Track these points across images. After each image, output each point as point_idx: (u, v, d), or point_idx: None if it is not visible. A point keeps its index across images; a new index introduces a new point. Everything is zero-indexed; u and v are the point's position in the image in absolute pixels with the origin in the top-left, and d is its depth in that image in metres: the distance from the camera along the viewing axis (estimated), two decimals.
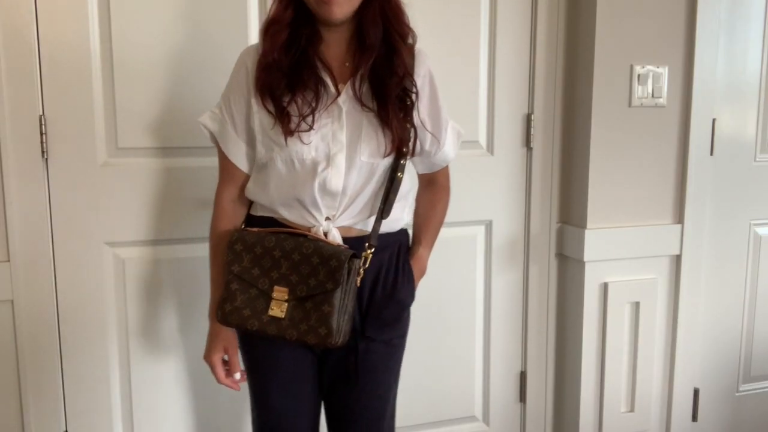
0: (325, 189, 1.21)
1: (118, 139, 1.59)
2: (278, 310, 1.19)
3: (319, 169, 1.20)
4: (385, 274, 1.29)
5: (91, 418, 1.65)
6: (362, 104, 1.22)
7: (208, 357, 1.32)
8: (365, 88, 1.22)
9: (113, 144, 1.59)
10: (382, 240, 1.27)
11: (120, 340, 1.65)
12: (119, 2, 1.54)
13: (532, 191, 1.96)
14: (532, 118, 1.93)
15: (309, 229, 1.23)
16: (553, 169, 1.97)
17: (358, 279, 1.20)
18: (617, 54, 1.86)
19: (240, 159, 1.28)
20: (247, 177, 1.30)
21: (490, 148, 1.92)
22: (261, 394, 1.32)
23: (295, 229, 1.23)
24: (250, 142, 1.26)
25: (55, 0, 1.50)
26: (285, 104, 1.18)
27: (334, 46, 1.23)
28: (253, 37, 1.65)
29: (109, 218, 1.60)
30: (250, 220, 1.31)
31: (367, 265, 1.22)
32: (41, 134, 1.51)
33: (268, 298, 1.19)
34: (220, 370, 1.31)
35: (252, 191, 1.28)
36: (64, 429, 1.63)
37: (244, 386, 1.36)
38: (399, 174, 1.25)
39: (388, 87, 1.22)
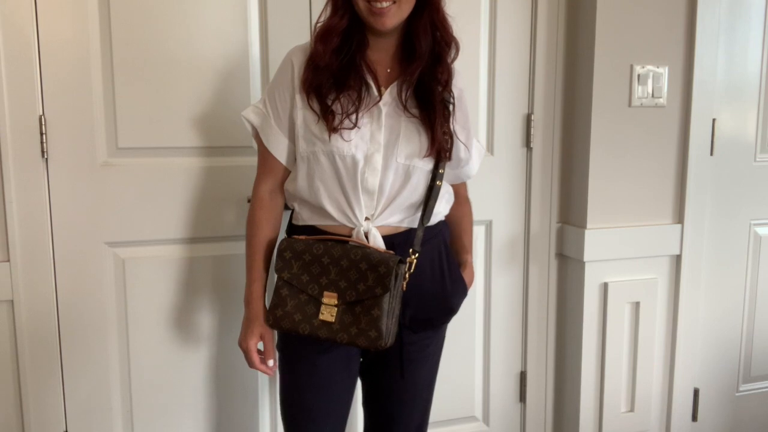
0: (363, 187, 1.27)
1: (118, 139, 1.59)
2: (328, 314, 1.24)
3: (359, 167, 1.25)
4: (431, 275, 1.35)
5: (91, 418, 1.65)
6: (405, 109, 1.28)
7: (243, 342, 1.34)
8: (409, 93, 1.28)
9: (113, 144, 1.59)
10: (424, 233, 1.32)
11: (120, 340, 1.65)
12: (119, 2, 1.54)
13: (532, 191, 1.96)
14: (532, 118, 1.93)
15: (351, 232, 1.28)
16: (553, 169, 1.97)
17: (404, 283, 1.24)
18: (617, 54, 1.86)
19: (280, 152, 1.33)
20: (286, 170, 1.35)
21: (490, 148, 1.92)
22: (295, 394, 1.35)
23: (339, 235, 1.28)
24: (291, 137, 1.32)
25: (55, 0, 1.50)
26: (330, 103, 1.25)
27: (380, 52, 1.30)
28: (254, 36, 1.66)
29: (109, 218, 1.60)
30: (294, 230, 1.37)
31: (412, 270, 1.27)
32: (41, 134, 1.51)
33: (318, 303, 1.24)
34: (255, 356, 1.33)
35: (299, 186, 1.31)
36: (64, 429, 1.63)
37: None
38: (438, 182, 1.32)
39: (434, 93, 1.29)
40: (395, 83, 1.29)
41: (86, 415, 1.64)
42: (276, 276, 1.29)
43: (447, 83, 1.31)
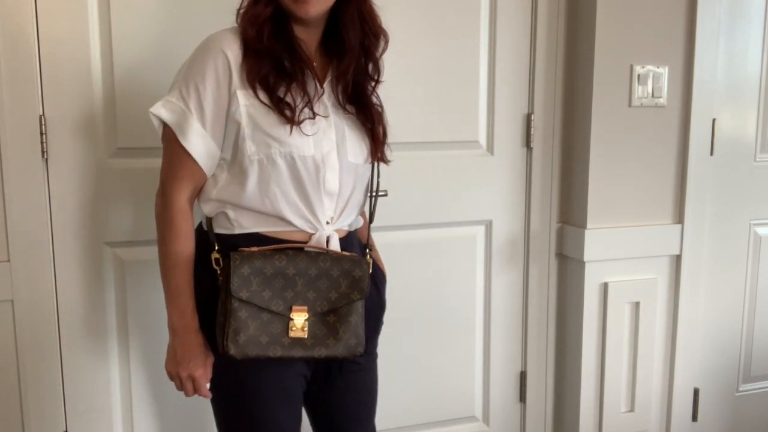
0: (325, 189, 1.20)
1: (118, 139, 1.59)
2: (299, 330, 1.14)
3: (320, 168, 1.18)
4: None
5: (91, 418, 1.65)
6: (342, 107, 1.23)
7: (193, 370, 1.18)
8: (347, 90, 1.23)
9: (113, 144, 1.59)
10: (354, 238, 1.30)
11: (120, 340, 1.65)
12: (119, 2, 1.54)
13: (532, 191, 1.96)
14: (532, 118, 1.93)
15: (309, 237, 1.20)
16: (553, 169, 1.97)
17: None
18: (617, 54, 1.86)
19: (203, 156, 1.16)
20: (205, 179, 1.19)
21: (490, 148, 1.92)
22: (268, 420, 1.22)
23: (294, 242, 1.18)
24: (219, 140, 1.17)
25: (55, 0, 1.50)
26: (282, 95, 1.15)
27: (306, 46, 1.21)
28: None
29: (109, 218, 1.60)
30: (221, 240, 1.19)
31: (371, 270, 1.24)
32: (41, 134, 1.51)
33: (285, 319, 1.14)
34: (205, 383, 1.21)
35: (249, 193, 1.17)
36: (64, 429, 1.63)
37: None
38: (378, 179, 1.29)
39: (366, 91, 1.24)
40: (329, 79, 1.22)
41: (86, 415, 1.64)
42: (224, 297, 1.14)
43: (378, 79, 1.26)
